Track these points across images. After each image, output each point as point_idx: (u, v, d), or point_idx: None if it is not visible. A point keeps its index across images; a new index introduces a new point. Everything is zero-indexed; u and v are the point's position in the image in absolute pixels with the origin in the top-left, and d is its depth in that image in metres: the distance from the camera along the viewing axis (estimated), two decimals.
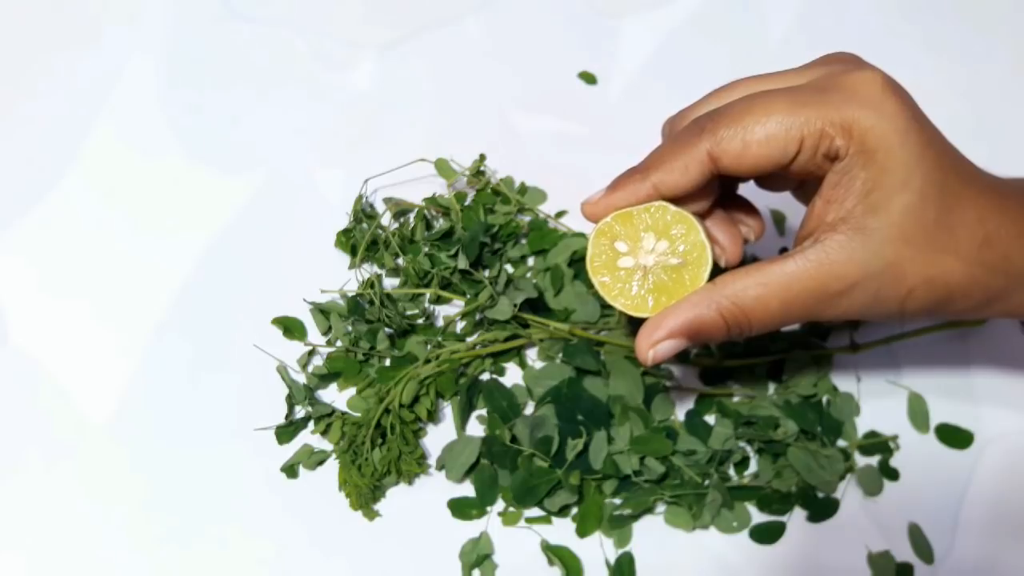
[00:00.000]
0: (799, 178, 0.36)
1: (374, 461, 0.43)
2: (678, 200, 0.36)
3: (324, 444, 0.45)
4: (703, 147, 0.34)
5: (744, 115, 0.33)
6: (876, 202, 0.32)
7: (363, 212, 0.50)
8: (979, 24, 0.60)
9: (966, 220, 0.34)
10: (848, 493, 0.44)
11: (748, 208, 0.40)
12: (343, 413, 0.45)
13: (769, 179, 0.38)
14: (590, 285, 0.42)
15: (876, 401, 0.46)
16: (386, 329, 0.47)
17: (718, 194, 0.37)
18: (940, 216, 0.33)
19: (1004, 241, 0.34)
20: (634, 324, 0.44)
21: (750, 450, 0.45)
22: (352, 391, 0.46)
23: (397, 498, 0.44)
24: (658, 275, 0.36)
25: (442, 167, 0.51)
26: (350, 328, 0.47)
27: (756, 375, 0.46)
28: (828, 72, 0.34)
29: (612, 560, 0.43)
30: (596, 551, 0.43)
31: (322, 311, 0.47)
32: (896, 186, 0.32)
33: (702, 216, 0.37)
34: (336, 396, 0.47)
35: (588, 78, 0.57)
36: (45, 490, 0.44)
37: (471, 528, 0.43)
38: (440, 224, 0.50)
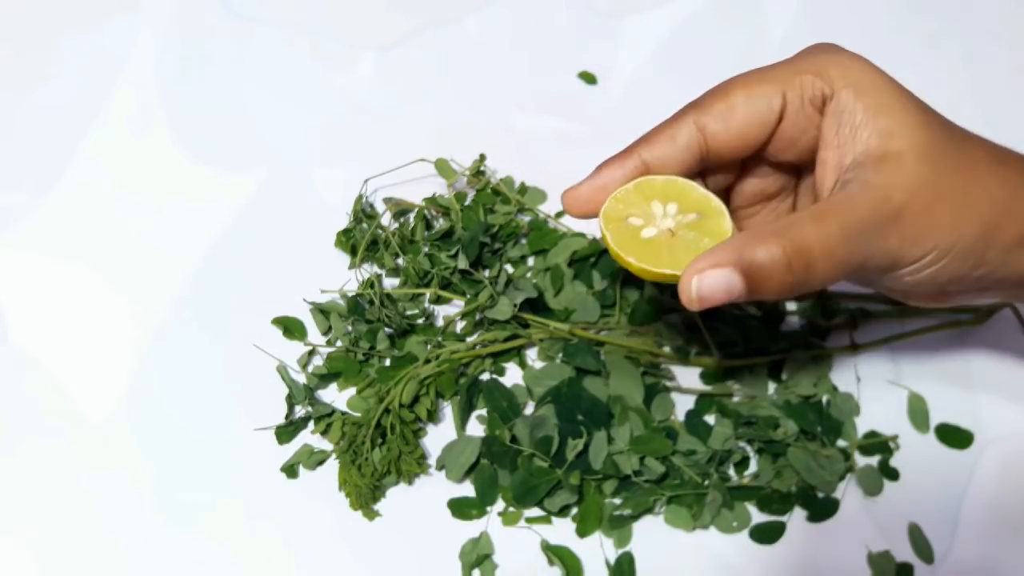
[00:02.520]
0: (798, 151, 0.35)
1: (374, 461, 0.43)
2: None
3: (324, 444, 0.45)
4: (689, 119, 0.34)
5: (726, 87, 0.34)
6: (887, 127, 0.31)
7: (363, 212, 0.50)
8: (979, 24, 0.60)
9: (978, 142, 0.33)
10: (848, 493, 0.44)
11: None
12: (343, 413, 0.45)
13: (773, 158, 0.36)
14: (621, 279, 0.40)
15: (876, 401, 0.46)
16: (386, 329, 0.47)
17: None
18: (951, 139, 0.32)
19: (1019, 165, 0.33)
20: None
21: (750, 450, 0.45)
22: (352, 391, 0.46)
23: (397, 498, 0.44)
24: (684, 234, 0.33)
25: (442, 167, 0.51)
26: (350, 328, 0.47)
27: (756, 375, 0.46)
28: (801, 51, 0.34)
29: (612, 560, 0.43)
30: (596, 551, 0.43)
31: (322, 311, 0.47)
32: (899, 107, 0.32)
33: None
34: (336, 396, 0.47)
35: (588, 78, 0.57)
36: (44, 489, 0.44)
37: (471, 528, 0.43)
38: (440, 224, 0.50)
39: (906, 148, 0.31)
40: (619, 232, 0.34)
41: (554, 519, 0.43)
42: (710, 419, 0.45)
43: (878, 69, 0.33)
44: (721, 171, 0.37)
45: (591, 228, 0.48)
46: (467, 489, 0.44)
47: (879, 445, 0.45)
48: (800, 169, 0.38)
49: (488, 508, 0.44)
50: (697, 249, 0.32)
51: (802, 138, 0.34)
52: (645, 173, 0.34)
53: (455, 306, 0.49)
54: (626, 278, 0.47)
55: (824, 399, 0.46)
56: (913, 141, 0.31)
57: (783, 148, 0.35)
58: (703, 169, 0.36)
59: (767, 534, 0.43)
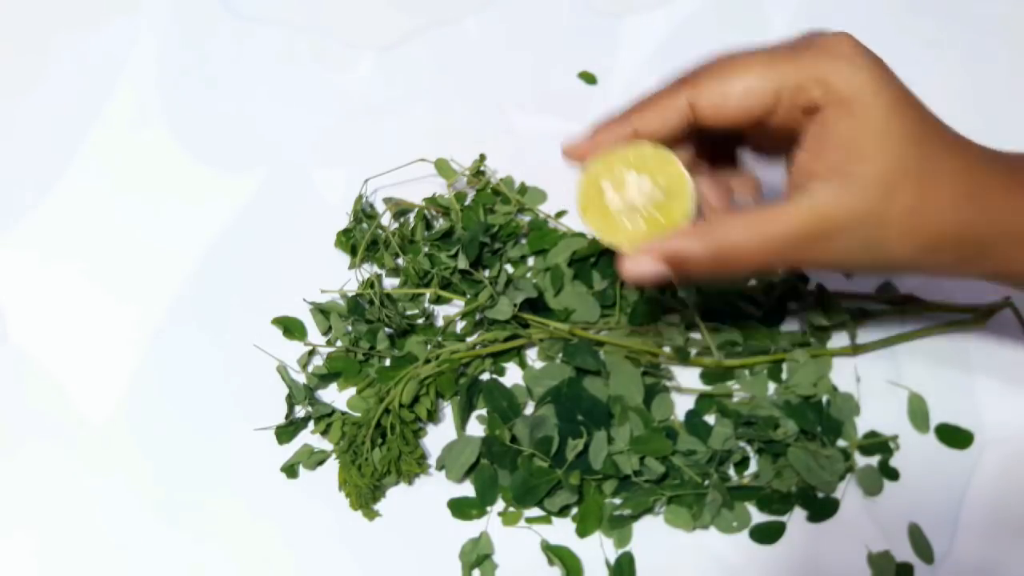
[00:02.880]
0: (780, 136, 0.36)
1: (374, 461, 0.43)
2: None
3: (324, 444, 0.45)
4: (683, 96, 0.35)
5: (724, 69, 0.35)
6: (858, 149, 0.33)
7: (363, 212, 0.50)
8: (979, 24, 0.60)
9: (951, 168, 0.34)
10: (848, 493, 0.44)
11: (742, 171, 0.40)
12: (343, 413, 0.45)
13: (754, 139, 0.39)
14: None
15: (876, 401, 0.46)
16: (386, 329, 0.47)
17: (695, 150, 0.39)
18: (923, 164, 0.33)
19: (989, 192, 0.34)
20: None
21: (750, 450, 0.45)
22: (352, 391, 0.46)
23: (397, 498, 0.44)
24: (647, 210, 0.37)
25: (442, 167, 0.51)
26: (350, 328, 0.47)
27: (756, 375, 0.46)
28: (803, 36, 0.35)
29: (612, 560, 0.43)
30: (596, 551, 0.43)
31: (322, 311, 0.47)
32: (876, 133, 0.33)
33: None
34: (336, 396, 0.47)
35: (588, 78, 0.57)
36: (44, 489, 0.44)
37: (471, 528, 0.43)
38: (440, 224, 0.50)
39: (866, 174, 0.33)
40: (589, 194, 0.38)
41: (554, 519, 0.43)
42: (710, 419, 0.45)
43: (879, 82, 0.33)
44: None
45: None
46: (467, 489, 0.44)
47: (879, 445, 0.45)
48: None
49: (488, 508, 0.44)
50: (645, 231, 0.37)
51: (781, 132, 0.36)
52: (636, 138, 0.37)
53: (455, 306, 0.49)
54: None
55: (824, 399, 0.46)
56: (877, 168, 0.33)
57: (760, 133, 0.37)
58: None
59: (767, 534, 0.43)
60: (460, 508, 0.44)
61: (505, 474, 0.43)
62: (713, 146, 0.39)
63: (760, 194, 0.40)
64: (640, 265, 0.36)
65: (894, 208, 0.33)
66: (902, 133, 0.33)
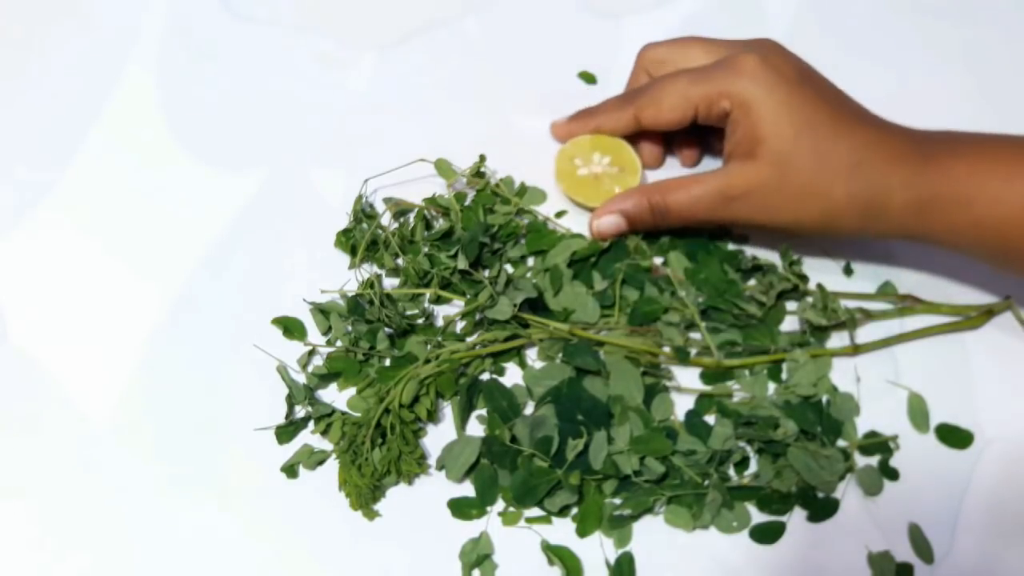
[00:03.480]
0: (709, 126, 0.49)
1: (374, 461, 0.43)
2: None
3: (324, 444, 0.45)
4: (630, 111, 0.50)
5: (658, 92, 0.48)
6: (758, 136, 0.45)
7: (363, 212, 0.50)
8: (979, 24, 0.60)
9: (839, 148, 0.44)
10: (848, 493, 0.44)
11: (692, 144, 0.54)
12: (343, 413, 0.45)
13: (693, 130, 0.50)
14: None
15: (876, 401, 0.46)
16: (386, 329, 0.47)
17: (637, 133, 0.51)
18: (814, 144, 0.44)
19: (873, 166, 0.43)
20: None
21: (750, 450, 0.45)
22: (352, 391, 0.46)
23: (397, 498, 0.44)
24: (606, 179, 0.50)
25: (442, 167, 0.51)
26: (350, 328, 0.47)
27: (756, 375, 0.46)
28: (730, 53, 0.47)
29: (612, 560, 0.43)
30: (596, 551, 0.43)
31: (322, 311, 0.47)
32: (771, 123, 0.44)
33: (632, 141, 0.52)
34: (336, 396, 0.47)
35: (588, 78, 0.57)
36: (44, 489, 0.44)
37: (471, 528, 0.43)
38: (440, 224, 0.50)
39: (763, 154, 0.45)
40: (564, 166, 0.51)
41: (554, 519, 0.43)
42: (710, 419, 0.45)
43: (771, 89, 0.44)
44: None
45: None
46: (467, 489, 0.44)
47: (879, 445, 0.45)
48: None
49: (488, 508, 0.44)
50: (609, 192, 0.50)
51: (714, 125, 0.48)
52: (599, 132, 0.51)
53: (455, 306, 0.49)
54: (624, 279, 0.48)
55: (824, 399, 0.46)
56: (771, 150, 0.44)
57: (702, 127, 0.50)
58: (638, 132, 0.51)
59: (767, 534, 0.43)
60: (460, 508, 0.44)
61: (505, 474, 0.43)
62: (668, 133, 0.52)
63: (696, 159, 0.54)
64: (603, 223, 0.49)
65: (788, 181, 0.44)
66: (792, 123, 0.44)
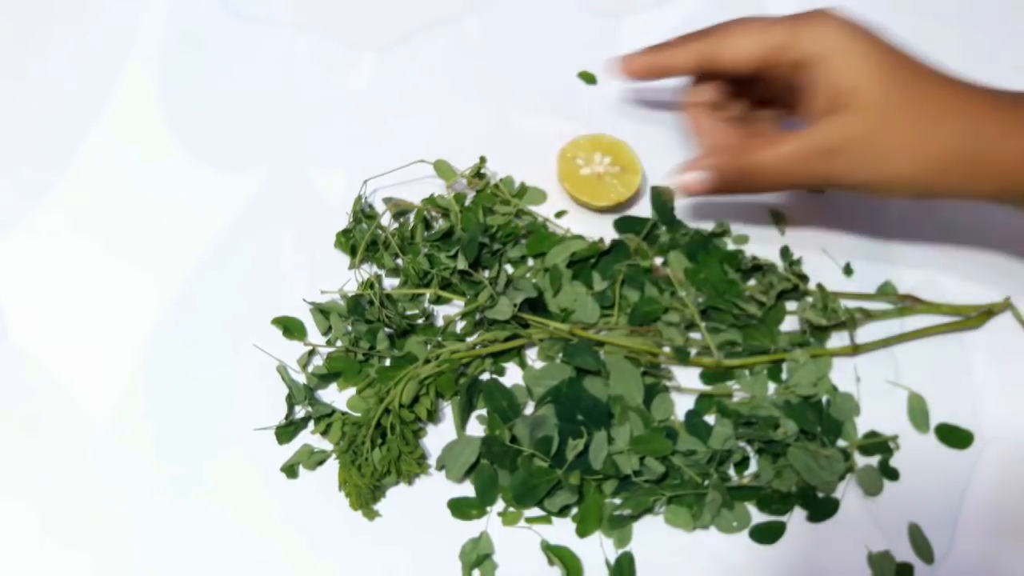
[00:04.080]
0: (784, 88, 0.45)
1: (374, 461, 0.43)
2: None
3: (324, 444, 0.45)
4: (699, 46, 0.46)
5: (734, 28, 0.45)
6: (847, 87, 0.42)
7: (363, 212, 0.50)
8: (979, 24, 0.60)
9: (934, 98, 0.42)
10: (848, 493, 0.44)
11: (768, 116, 0.50)
12: (343, 413, 0.45)
13: (768, 90, 0.48)
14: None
15: (876, 401, 0.46)
16: (386, 329, 0.47)
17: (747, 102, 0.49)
18: (909, 93, 0.42)
19: (982, 122, 0.41)
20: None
21: (750, 450, 0.45)
22: (352, 391, 0.46)
23: (397, 498, 0.44)
24: (608, 178, 0.51)
25: (441, 168, 0.51)
26: (350, 328, 0.47)
27: (756, 375, 0.46)
28: (801, 12, 0.44)
29: (612, 560, 0.43)
30: (596, 551, 0.43)
31: (322, 311, 0.47)
32: (860, 73, 0.42)
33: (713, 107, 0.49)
34: (336, 396, 0.47)
35: (588, 78, 0.57)
36: (44, 489, 0.44)
37: (471, 528, 0.43)
38: (439, 225, 0.50)
39: (856, 105, 0.42)
40: (566, 167, 0.51)
41: (554, 519, 0.43)
42: (710, 419, 0.45)
43: (850, 39, 0.42)
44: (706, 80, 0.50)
45: (590, 229, 0.50)
46: (467, 489, 0.44)
47: (879, 445, 0.45)
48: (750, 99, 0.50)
49: (488, 508, 0.44)
50: (610, 192, 0.50)
51: (773, 84, 0.46)
52: (666, 72, 0.48)
53: (455, 306, 0.49)
54: (624, 279, 0.48)
55: (824, 399, 0.46)
56: (865, 100, 0.42)
57: (775, 87, 0.47)
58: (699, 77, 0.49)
59: (767, 534, 0.43)
60: (460, 508, 0.44)
61: (505, 474, 0.43)
62: (749, 97, 0.49)
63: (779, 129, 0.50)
64: (691, 177, 0.46)
65: (891, 131, 0.42)
66: (883, 73, 0.42)
